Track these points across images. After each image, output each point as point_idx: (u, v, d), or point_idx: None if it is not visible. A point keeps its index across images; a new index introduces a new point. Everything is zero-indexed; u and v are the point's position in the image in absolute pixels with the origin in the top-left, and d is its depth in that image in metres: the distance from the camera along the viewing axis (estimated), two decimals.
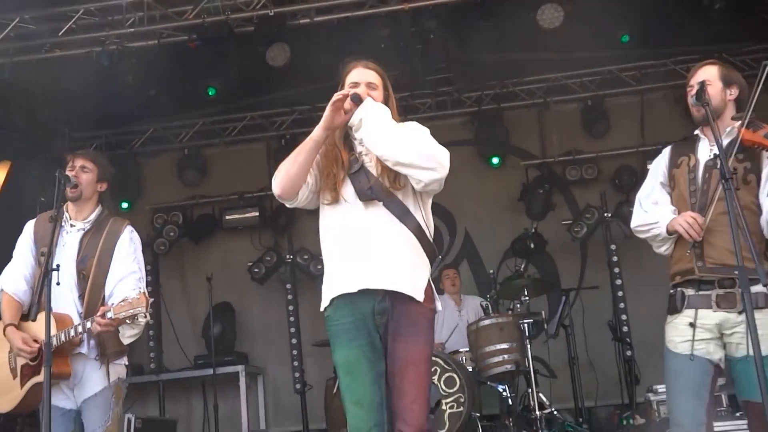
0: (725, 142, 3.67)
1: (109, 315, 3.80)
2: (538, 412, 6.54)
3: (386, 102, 3.56)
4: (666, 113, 8.87)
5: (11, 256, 4.36)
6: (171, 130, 9.40)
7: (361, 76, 3.57)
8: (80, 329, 3.94)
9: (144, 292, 3.85)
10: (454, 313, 7.55)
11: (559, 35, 6.88)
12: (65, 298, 4.07)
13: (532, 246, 8.73)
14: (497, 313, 7.12)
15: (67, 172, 4.17)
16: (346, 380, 3.42)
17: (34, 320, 4.02)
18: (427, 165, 3.33)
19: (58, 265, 3.91)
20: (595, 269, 8.93)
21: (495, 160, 9.11)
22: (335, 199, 3.49)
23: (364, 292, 3.38)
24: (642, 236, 4.01)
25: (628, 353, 7.91)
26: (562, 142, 9.21)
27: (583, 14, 6.70)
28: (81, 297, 4.13)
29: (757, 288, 3.43)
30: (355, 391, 3.39)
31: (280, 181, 3.45)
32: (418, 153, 3.32)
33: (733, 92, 3.78)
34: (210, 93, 7.31)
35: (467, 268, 9.09)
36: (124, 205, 9.08)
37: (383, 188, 3.44)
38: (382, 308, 3.39)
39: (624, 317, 8.51)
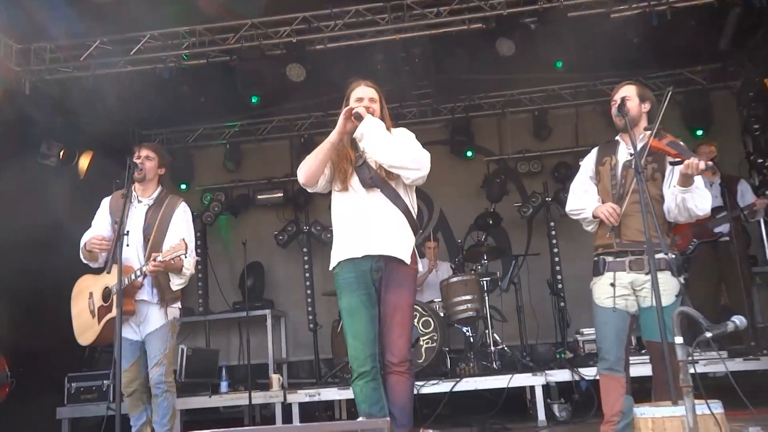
0: (639, 146, 3.71)
1: (159, 258, 3.85)
2: (492, 348, 6.66)
3: (382, 111, 3.71)
4: (594, 122, 8.90)
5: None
6: (216, 129, 9.37)
7: (364, 92, 3.70)
8: (138, 273, 3.97)
9: (183, 238, 3.89)
10: (431, 273, 7.54)
11: (513, 61, 6.86)
12: (132, 256, 4.11)
13: (491, 222, 8.78)
14: (463, 272, 7.20)
15: (134, 160, 4.18)
16: (348, 321, 3.55)
17: (108, 272, 4.04)
18: (414, 167, 3.53)
19: (128, 231, 3.94)
20: (537, 240, 8.93)
21: (469, 153, 9.09)
22: (344, 188, 3.63)
23: (365, 257, 3.53)
24: (574, 218, 4.07)
25: (562, 304, 7.93)
26: (515, 144, 9.23)
27: (530, 46, 6.68)
28: (145, 254, 4.14)
29: (660, 255, 3.51)
30: (355, 329, 3.51)
31: (305, 173, 3.61)
32: (406, 158, 3.51)
33: (647, 106, 3.83)
34: (253, 100, 7.34)
35: (441, 238, 9.09)
36: (183, 186, 9.10)
37: (380, 178, 3.59)
38: (378, 267, 3.54)
39: (559, 277, 8.56)
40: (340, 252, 3.62)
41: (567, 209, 4.10)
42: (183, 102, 7.52)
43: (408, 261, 3.61)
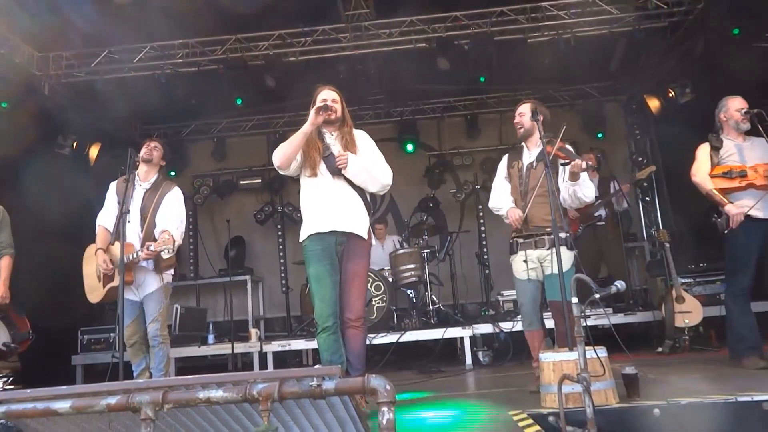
0: (537, 151, 3.90)
1: (151, 248, 3.80)
2: (431, 306, 6.68)
3: (343, 111, 3.70)
4: (512, 125, 8.90)
5: (103, 205, 4.27)
6: (206, 125, 9.16)
7: (328, 95, 3.67)
8: (135, 255, 3.89)
9: (171, 234, 3.80)
10: (380, 249, 7.53)
11: (449, 74, 6.87)
12: (132, 231, 4.04)
13: (431, 205, 8.80)
14: (408, 245, 7.19)
15: (144, 149, 4.12)
16: (315, 285, 3.53)
17: (113, 245, 3.95)
18: (381, 189, 3.67)
19: (128, 210, 3.86)
20: (468, 220, 9.02)
21: (409, 147, 9.00)
22: (313, 174, 3.57)
23: (331, 232, 3.52)
24: (494, 212, 4.11)
25: (487, 272, 8.06)
26: (450, 141, 9.25)
27: (461, 63, 6.70)
28: (142, 230, 4.05)
29: (561, 234, 3.64)
30: (321, 293, 3.49)
31: (280, 157, 3.53)
32: (378, 185, 3.61)
33: (540, 119, 3.82)
34: (238, 102, 7.20)
35: (391, 217, 9.13)
36: (172, 173, 8.87)
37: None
38: (341, 241, 3.54)
39: (485, 249, 8.68)
40: (309, 227, 3.58)
41: (489, 205, 4.19)
42: (178, 103, 7.35)
43: (365, 237, 3.62)
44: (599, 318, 5.62)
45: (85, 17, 5.73)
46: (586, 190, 3.76)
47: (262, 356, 6.23)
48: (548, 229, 3.72)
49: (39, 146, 6.74)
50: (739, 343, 4.09)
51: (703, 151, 4.30)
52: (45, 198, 6.07)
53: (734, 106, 4.22)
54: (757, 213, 4.01)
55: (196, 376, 1.52)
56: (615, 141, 8.79)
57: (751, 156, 4.14)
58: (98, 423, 1.74)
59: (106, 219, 4.18)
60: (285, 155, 3.52)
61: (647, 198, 8.42)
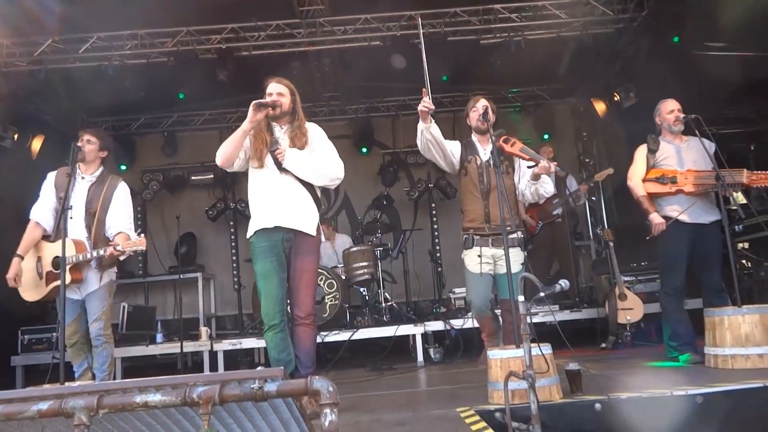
0: (489, 147, 3.94)
1: (119, 248, 3.65)
2: (383, 304, 6.66)
3: (294, 104, 3.56)
4: (465, 124, 9.01)
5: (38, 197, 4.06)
6: (156, 119, 8.88)
7: (274, 88, 3.54)
8: (94, 254, 3.75)
9: (144, 237, 3.69)
10: (330, 248, 7.49)
11: (406, 72, 6.87)
12: (77, 228, 3.86)
13: (385, 203, 8.80)
14: (362, 243, 7.17)
15: (78, 143, 3.91)
16: (261, 283, 3.44)
17: (53, 242, 3.78)
18: (330, 183, 3.56)
19: (71, 206, 3.69)
20: (422, 218, 9.07)
21: (364, 150, 9.04)
22: (260, 165, 3.45)
23: (276, 228, 3.41)
24: (420, 147, 4.03)
25: (439, 269, 8.12)
26: (405, 140, 9.22)
27: (419, 60, 6.72)
28: (88, 228, 3.91)
29: (514, 235, 3.85)
30: (267, 290, 3.40)
31: (221, 156, 3.45)
32: (326, 178, 3.50)
33: (493, 117, 3.95)
34: (180, 96, 7.01)
35: (345, 215, 9.09)
36: (123, 167, 8.61)
37: None
38: (288, 238, 3.42)
39: (438, 248, 8.74)
40: (255, 223, 3.47)
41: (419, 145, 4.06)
42: (126, 95, 7.12)
43: (314, 234, 3.51)
44: (546, 315, 5.73)
45: (26, 2, 5.49)
46: (547, 186, 3.93)
47: (213, 355, 6.11)
48: (507, 228, 3.64)
49: None
50: (674, 340, 4.25)
51: (640, 153, 4.44)
52: None
53: (666, 109, 4.39)
54: (685, 218, 4.19)
55: (133, 379, 1.47)
56: (563, 142, 8.99)
57: (687, 158, 4.30)
58: (30, 430, 1.66)
59: (40, 213, 3.96)
60: (226, 154, 3.42)
61: (593, 198, 8.65)
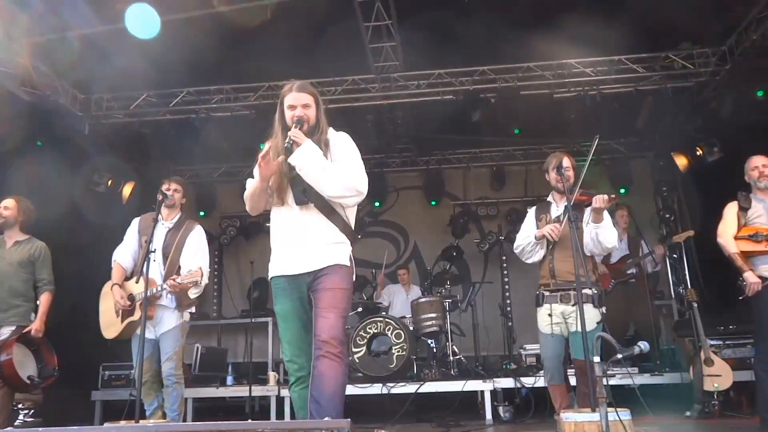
0: (564, 202, 3.85)
1: (178, 281, 3.78)
2: (452, 357, 6.50)
3: (318, 115, 2.93)
4: (540, 178, 8.86)
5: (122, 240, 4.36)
6: (236, 168, 9.27)
7: (297, 99, 2.89)
8: (160, 288, 3.90)
9: (201, 268, 3.81)
10: (404, 295, 7.47)
11: (478, 126, 6.92)
12: (154, 268, 4.03)
13: (455, 254, 8.72)
14: (430, 294, 7.08)
15: (164, 191, 4.15)
16: (282, 326, 2.90)
17: (137, 282, 3.98)
18: (349, 194, 2.81)
19: (155, 249, 3.89)
20: (492, 271, 8.90)
21: (433, 203, 9.08)
22: (280, 203, 2.93)
23: (300, 275, 2.87)
24: (519, 251, 4.10)
25: (509, 324, 7.88)
26: (476, 191, 9.24)
27: (491, 114, 6.75)
28: (164, 268, 4.07)
29: (587, 291, 3.67)
30: (287, 335, 2.87)
31: (250, 210, 3.01)
32: (342, 187, 2.77)
33: (572, 173, 3.93)
34: (261, 147, 7.22)
35: (414, 265, 9.05)
36: (202, 213, 9.00)
37: (314, 192, 2.83)
38: (311, 280, 2.84)
39: (508, 301, 8.53)
40: (274, 268, 2.94)
41: (514, 247, 4.14)
42: (210, 145, 7.52)
43: (340, 263, 2.88)
44: (624, 378, 5.41)
45: (126, 62, 5.96)
46: (608, 234, 3.72)
47: (280, 400, 6.13)
48: (574, 285, 3.57)
49: (76, 183, 6.94)
50: None
51: (731, 210, 4.22)
52: (75, 233, 6.18)
53: (751, 166, 4.21)
54: None
55: (204, 423, 1.49)
56: (642, 197, 8.66)
57: None
58: None
59: (122, 255, 4.22)
60: (252, 209, 3.01)
61: (675, 255, 8.24)
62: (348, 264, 2.90)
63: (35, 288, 4.54)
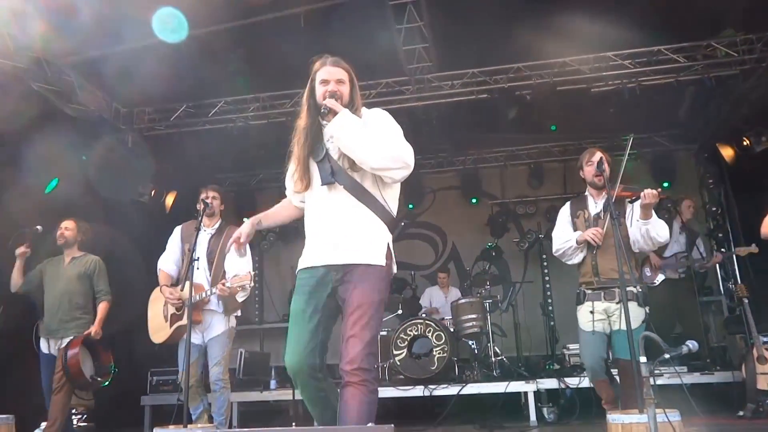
0: (603, 200, 3.79)
1: (227, 285, 3.86)
2: (493, 358, 6.46)
3: (352, 92, 2.64)
4: (577, 174, 8.73)
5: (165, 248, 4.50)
6: (274, 174, 9.34)
7: (331, 74, 2.61)
8: (209, 293, 4.00)
9: (250, 272, 3.88)
10: (443, 297, 7.45)
11: (514, 123, 6.84)
12: (199, 274, 4.14)
13: (494, 254, 8.67)
14: (470, 295, 7.05)
15: (202, 197, 4.25)
16: (291, 323, 2.58)
17: (182, 289, 4.07)
18: (395, 166, 2.46)
19: (198, 257, 3.98)
20: (532, 269, 8.80)
21: (474, 200, 9.05)
22: (305, 187, 2.66)
23: (325, 267, 2.55)
24: (560, 254, 4.00)
25: (551, 323, 7.78)
26: (514, 190, 9.16)
27: (528, 110, 6.67)
28: (210, 274, 4.17)
29: (631, 288, 3.57)
30: (293, 333, 2.55)
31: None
32: (388, 158, 2.44)
33: (608, 170, 3.78)
34: None
35: (453, 266, 9.01)
36: (245, 220, 9.10)
37: (343, 172, 2.55)
38: (339, 277, 2.52)
39: (549, 300, 8.41)
40: (301, 262, 2.67)
41: (554, 250, 4.02)
42: (249, 153, 7.64)
43: (382, 262, 2.52)
44: (672, 377, 5.27)
45: (166, 75, 6.11)
46: (659, 228, 3.59)
47: None
48: (618, 283, 3.46)
49: (121, 195, 7.16)
50: None
51: None
52: (125, 244, 6.38)
53: None
54: None
55: (253, 429, 1.52)
56: (686, 191, 8.37)
57: None
58: None
59: (165, 263, 4.37)
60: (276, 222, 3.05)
61: (723, 250, 7.97)
62: (383, 263, 2.52)
63: (94, 299, 4.84)
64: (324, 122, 2.58)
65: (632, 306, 3.48)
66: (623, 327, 3.40)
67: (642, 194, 3.49)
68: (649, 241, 3.64)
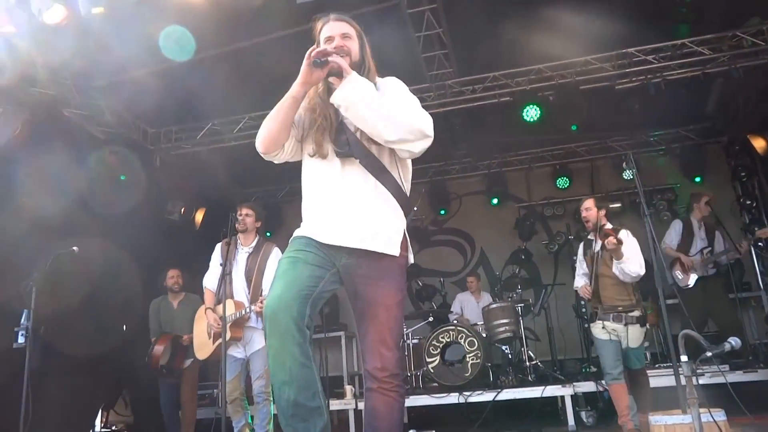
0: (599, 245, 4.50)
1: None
2: (527, 363, 6.39)
3: (361, 51, 2.32)
4: (605, 173, 8.74)
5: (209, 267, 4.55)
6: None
7: (335, 29, 2.31)
8: (247, 310, 4.06)
9: None
10: (474, 303, 7.41)
11: (537, 126, 6.78)
12: (240, 292, 4.22)
13: (523, 257, 8.61)
14: (501, 300, 6.99)
15: (237, 216, 4.31)
16: (284, 269, 2.20)
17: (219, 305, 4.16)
18: (413, 138, 2.10)
19: (230, 271, 4.05)
20: (563, 272, 8.66)
21: (495, 201, 8.98)
22: (317, 152, 2.29)
23: (333, 246, 2.22)
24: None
25: (585, 325, 7.65)
26: (540, 192, 9.10)
27: (548, 113, 6.62)
28: (249, 292, 4.22)
29: (634, 313, 4.38)
30: (287, 276, 2.17)
31: (263, 140, 2.30)
32: (404, 129, 2.08)
33: (602, 213, 4.57)
34: None
35: (482, 270, 8.96)
36: (268, 234, 9.21)
37: (360, 144, 2.23)
38: (348, 263, 2.24)
39: (582, 302, 8.20)
40: (302, 229, 2.30)
41: (574, 286, 4.89)
42: (273, 168, 7.67)
43: (396, 252, 2.22)
44: (714, 376, 5.14)
45: (191, 94, 6.23)
46: (630, 266, 4.19)
47: (358, 413, 6.18)
48: (619, 308, 4.34)
49: (151, 213, 7.29)
50: None
51: None
52: (156, 262, 6.49)
53: None
54: None
55: None
56: (718, 185, 8.26)
57: None
58: None
59: (211, 281, 4.43)
60: (270, 133, 2.26)
61: (760, 244, 7.78)
62: (397, 253, 2.22)
63: None
64: (334, 87, 2.17)
65: (635, 328, 4.33)
66: (632, 345, 4.35)
67: (605, 241, 4.18)
68: (626, 276, 4.25)
